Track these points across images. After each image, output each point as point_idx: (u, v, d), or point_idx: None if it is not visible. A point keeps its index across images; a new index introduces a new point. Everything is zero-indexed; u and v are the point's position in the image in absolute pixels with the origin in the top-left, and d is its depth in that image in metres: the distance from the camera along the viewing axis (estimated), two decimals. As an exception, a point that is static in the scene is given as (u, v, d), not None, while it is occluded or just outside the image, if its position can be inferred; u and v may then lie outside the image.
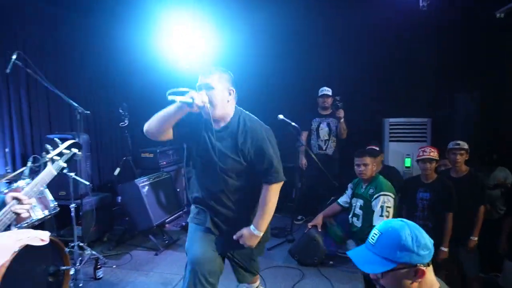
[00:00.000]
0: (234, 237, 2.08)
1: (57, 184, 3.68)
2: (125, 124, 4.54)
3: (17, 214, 1.60)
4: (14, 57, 2.90)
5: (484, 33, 4.46)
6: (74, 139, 3.77)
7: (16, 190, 1.88)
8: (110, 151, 5.63)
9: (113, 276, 3.42)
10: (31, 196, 1.56)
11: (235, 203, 2.11)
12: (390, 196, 3.02)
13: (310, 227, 3.52)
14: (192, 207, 2.28)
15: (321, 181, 4.50)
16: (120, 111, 4.49)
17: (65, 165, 1.81)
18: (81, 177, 3.57)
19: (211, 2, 4.59)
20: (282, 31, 5.26)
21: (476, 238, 3.17)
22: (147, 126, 1.96)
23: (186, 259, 2.12)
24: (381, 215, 2.97)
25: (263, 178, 2.06)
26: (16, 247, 2.30)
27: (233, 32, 5.09)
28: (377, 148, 3.79)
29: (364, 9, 4.90)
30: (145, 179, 4.21)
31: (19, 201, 1.62)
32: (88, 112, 3.57)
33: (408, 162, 4.65)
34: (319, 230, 3.50)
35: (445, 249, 3.10)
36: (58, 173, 1.78)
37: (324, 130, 4.64)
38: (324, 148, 4.65)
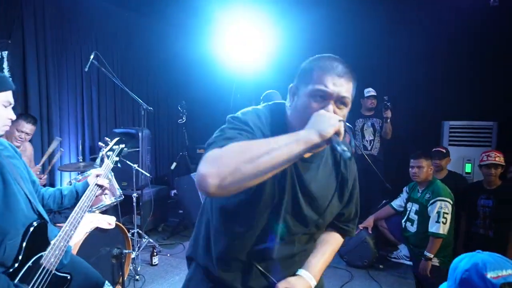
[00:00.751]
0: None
1: (121, 174, 3.99)
2: (183, 121, 4.79)
3: (100, 188, 1.83)
4: (92, 56, 3.20)
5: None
6: (137, 133, 4.09)
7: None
8: (168, 146, 5.95)
9: (167, 264, 3.64)
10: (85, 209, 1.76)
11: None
12: (448, 202, 2.90)
13: (361, 228, 3.47)
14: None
15: (370, 183, 4.40)
16: (179, 108, 4.75)
17: (117, 158, 2.06)
18: (141, 169, 3.84)
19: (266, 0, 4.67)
20: (339, 27, 5.19)
21: None
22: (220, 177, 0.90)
23: None
24: (438, 221, 2.85)
25: (342, 225, 1.39)
26: (88, 228, 2.57)
27: (289, 30, 5.13)
28: (444, 151, 3.63)
29: (428, 5, 4.72)
30: (200, 174, 4.40)
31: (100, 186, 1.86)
32: (151, 108, 3.83)
33: (468, 167, 4.37)
34: (370, 232, 3.44)
35: None
36: (114, 165, 2.04)
37: (368, 131, 4.56)
38: (369, 149, 4.55)
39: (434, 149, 3.65)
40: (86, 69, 3.32)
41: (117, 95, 4.93)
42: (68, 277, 1.63)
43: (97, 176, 1.87)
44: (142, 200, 4.20)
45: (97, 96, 4.67)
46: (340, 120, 0.99)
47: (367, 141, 4.58)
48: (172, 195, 5.60)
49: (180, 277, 3.32)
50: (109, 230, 2.76)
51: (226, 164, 0.89)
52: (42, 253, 1.52)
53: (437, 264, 2.89)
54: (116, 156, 2.07)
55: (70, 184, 2.22)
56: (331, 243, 1.37)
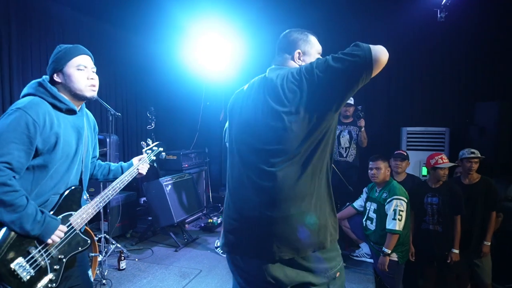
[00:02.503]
0: None
1: (88, 181, 3.96)
2: (152, 127, 4.82)
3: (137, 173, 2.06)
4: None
5: (503, 43, 4.49)
6: (105, 139, 4.08)
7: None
8: (137, 152, 5.92)
9: (135, 268, 3.63)
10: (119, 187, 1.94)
11: None
12: (403, 200, 3.10)
13: None
14: None
15: (337, 187, 4.60)
16: (148, 114, 4.78)
17: (154, 158, 2.24)
18: (109, 174, 3.83)
19: (233, 11, 4.82)
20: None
21: (488, 243, 3.19)
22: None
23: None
24: (394, 219, 3.05)
25: None
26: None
27: (257, 39, 5.30)
28: (405, 153, 3.86)
29: (383, 20, 5.05)
30: (169, 178, 4.44)
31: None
32: (119, 114, 3.84)
33: (425, 171, 4.67)
34: None
35: (456, 251, 3.15)
36: (151, 164, 2.21)
37: (345, 138, 4.75)
38: (344, 155, 4.75)
39: (396, 152, 3.89)
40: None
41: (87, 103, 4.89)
42: (89, 241, 1.75)
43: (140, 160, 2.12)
44: (110, 206, 4.18)
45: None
46: None
47: (342, 148, 4.77)
48: (142, 202, 5.57)
49: (148, 281, 3.34)
50: (75, 233, 2.76)
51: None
52: (72, 212, 1.69)
53: (396, 259, 3.08)
54: (154, 156, 2.23)
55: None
56: None
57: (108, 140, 4.00)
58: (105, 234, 3.73)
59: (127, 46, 5.62)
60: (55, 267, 1.60)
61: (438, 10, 3.77)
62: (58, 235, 1.59)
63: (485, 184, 3.27)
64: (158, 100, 5.95)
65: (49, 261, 1.58)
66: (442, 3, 3.66)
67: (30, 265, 1.50)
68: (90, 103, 4.94)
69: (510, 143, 4.22)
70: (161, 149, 2.30)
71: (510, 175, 4.08)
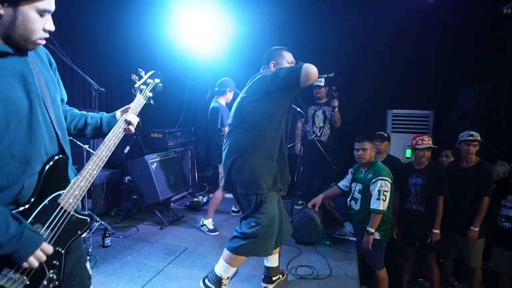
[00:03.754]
0: None
1: (71, 157, 3.88)
2: (136, 104, 4.71)
3: (128, 124, 1.50)
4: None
5: (489, 28, 4.53)
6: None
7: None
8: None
9: (120, 245, 3.62)
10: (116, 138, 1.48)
11: None
12: (387, 181, 3.15)
13: (309, 206, 3.68)
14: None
15: (320, 167, 4.66)
16: (133, 91, 4.65)
17: (151, 94, 1.72)
18: (94, 151, 3.76)
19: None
20: (289, 20, 5.39)
21: (477, 229, 3.18)
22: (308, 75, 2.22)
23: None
24: (378, 199, 3.10)
25: None
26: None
27: (245, 18, 5.21)
28: (386, 135, 3.91)
29: (372, 3, 5.01)
30: (154, 156, 4.39)
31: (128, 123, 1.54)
32: (103, 89, 3.74)
33: (408, 153, 4.76)
34: (317, 209, 3.65)
35: (437, 231, 3.24)
36: (145, 103, 1.71)
37: (319, 118, 4.82)
38: (319, 135, 4.82)
39: (377, 133, 3.93)
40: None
41: (67, 75, 4.73)
42: (88, 220, 1.40)
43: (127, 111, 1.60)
44: (94, 183, 4.12)
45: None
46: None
47: (317, 127, 4.84)
48: (126, 181, 5.51)
49: (133, 257, 3.33)
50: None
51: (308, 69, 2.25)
52: (60, 192, 1.28)
53: (378, 238, 3.15)
54: (150, 92, 1.74)
55: None
56: None
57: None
58: (89, 211, 3.69)
59: (111, 22, 5.43)
60: (53, 263, 1.27)
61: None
62: (38, 257, 1.17)
63: (479, 167, 3.25)
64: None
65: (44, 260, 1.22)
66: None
67: (21, 273, 1.16)
68: (73, 78, 4.80)
69: (488, 126, 4.31)
70: (157, 80, 1.78)
71: (490, 157, 4.16)
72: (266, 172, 2.41)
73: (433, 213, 3.25)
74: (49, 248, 1.21)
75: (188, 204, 5.08)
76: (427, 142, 3.35)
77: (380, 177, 3.16)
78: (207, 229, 4.04)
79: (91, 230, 3.60)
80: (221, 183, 4.14)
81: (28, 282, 1.18)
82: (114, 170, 4.72)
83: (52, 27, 1.22)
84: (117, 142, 1.48)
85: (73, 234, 1.34)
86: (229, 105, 4.17)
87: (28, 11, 1.13)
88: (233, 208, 4.81)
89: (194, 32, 5.49)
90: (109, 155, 1.44)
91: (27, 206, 1.20)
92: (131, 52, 5.83)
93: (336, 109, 4.62)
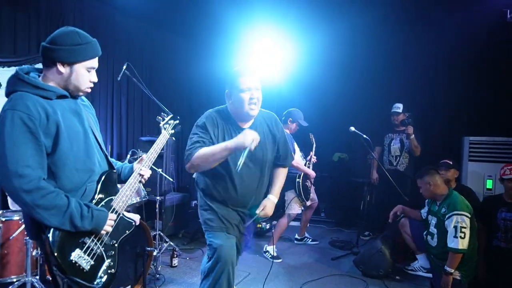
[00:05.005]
0: (257, 211, 2.24)
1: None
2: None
3: (141, 176, 1.84)
4: (124, 67, 3.41)
5: None
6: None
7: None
8: (181, 156, 6.15)
9: (187, 266, 3.75)
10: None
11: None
12: (465, 215, 2.86)
13: (391, 215, 3.51)
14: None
15: (391, 197, 4.41)
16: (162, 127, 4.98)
17: (172, 131, 2.23)
18: (166, 175, 4.01)
19: (287, 17, 4.87)
20: (361, 46, 5.35)
21: None
22: (191, 166, 2.09)
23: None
24: (455, 236, 2.82)
25: (281, 162, 2.40)
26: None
27: (310, 44, 5.30)
28: (451, 162, 3.64)
29: (446, 25, 4.80)
30: (220, 182, 4.54)
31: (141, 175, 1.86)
32: (178, 117, 4.02)
33: (489, 183, 4.33)
34: (397, 214, 3.52)
35: None
36: (170, 138, 2.23)
37: (395, 146, 4.59)
38: (394, 164, 4.58)
39: (441, 161, 3.69)
40: (118, 78, 3.55)
41: (144, 105, 5.21)
42: (133, 223, 1.78)
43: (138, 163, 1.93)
44: (165, 205, 4.36)
45: (126, 105, 4.95)
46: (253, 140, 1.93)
47: (392, 156, 4.62)
48: (193, 205, 5.75)
49: (198, 279, 3.40)
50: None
51: (194, 162, 2.05)
52: (113, 197, 1.70)
53: (458, 278, 2.87)
54: (172, 129, 2.23)
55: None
56: (279, 174, 2.39)
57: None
58: (159, 232, 3.91)
59: (187, 54, 5.91)
60: (110, 253, 1.65)
61: (508, 10, 3.51)
62: (109, 224, 1.61)
63: None
64: (215, 105, 6.14)
65: (103, 248, 1.61)
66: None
67: (88, 254, 1.54)
68: (149, 108, 5.24)
69: None
70: (176, 121, 2.28)
71: None
72: None
73: None
74: (113, 216, 1.64)
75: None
76: None
77: (455, 212, 2.89)
78: (270, 256, 4.02)
79: (160, 250, 3.79)
80: (287, 211, 4.14)
81: (93, 262, 1.56)
82: (184, 193, 4.98)
83: (96, 79, 1.64)
84: (133, 193, 1.83)
85: (122, 232, 1.73)
86: (294, 135, 4.21)
87: (80, 69, 1.56)
88: (296, 236, 4.74)
89: (262, 62, 5.68)
90: (127, 203, 1.78)
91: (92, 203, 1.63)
92: (201, 83, 6.22)
93: (412, 137, 4.36)
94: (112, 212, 1.65)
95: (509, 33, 4.37)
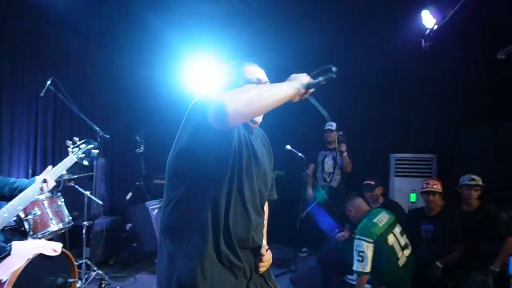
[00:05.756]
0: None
1: (71, 204, 3.88)
2: (141, 151, 4.78)
3: (45, 182, 2.00)
4: (48, 82, 3.19)
5: (485, 72, 4.63)
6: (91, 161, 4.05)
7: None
8: (124, 176, 5.83)
9: (117, 296, 3.49)
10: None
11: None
12: (363, 240, 2.87)
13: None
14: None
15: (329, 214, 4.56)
16: (137, 138, 4.75)
17: (83, 155, 2.19)
18: (95, 198, 3.75)
19: (227, 34, 4.92)
20: (292, 66, 5.53)
21: (497, 270, 3.00)
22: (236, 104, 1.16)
23: None
24: (355, 259, 2.88)
25: (271, 192, 1.70)
26: (30, 255, 2.45)
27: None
28: (372, 182, 3.75)
29: (375, 47, 5.18)
30: (156, 202, 4.36)
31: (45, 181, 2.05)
32: (108, 136, 3.82)
33: (413, 197, 4.66)
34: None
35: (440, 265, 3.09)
36: (80, 162, 2.20)
37: (329, 164, 4.77)
38: (328, 180, 4.75)
39: (364, 183, 3.80)
40: (41, 94, 3.30)
41: (74, 122, 4.86)
42: (8, 248, 1.90)
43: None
44: (93, 230, 4.06)
45: (52, 122, 4.59)
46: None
47: (326, 173, 4.78)
48: (128, 228, 5.43)
49: (129, 309, 3.19)
50: (54, 258, 2.64)
51: (241, 96, 1.18)
52: None
53: None
54: (82, 153, 2.18)
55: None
56: (266, 213, 1.72)
57: (94, 162, 3.95)
58: (86, 260, 3.61)
59: (121, 71, 5.66)
60: None
61: (423, 40, 3.88)
62: None
63: (483, 211, 3.17)
64: (150, 123, 5.92)
65: None
66: (426, 33, 3.78)
67: None
68: (80, 124, 4.91)
69: (493, 168, 4.24)
70: (90, 146, 2.23)
71: (497, 198, 4.05)
72: None
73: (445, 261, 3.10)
74: None
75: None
76: (431, 186, 3.29)
77: (357, 236, 2.95)
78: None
79: (87, 280, 3.49)
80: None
81: None
82: (115, 217, 4.68)
83: None
84: (36, 195, 1.97)
85: None
86: None
87: None
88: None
89: (201, 78, 5.61)
90: (23, 207, 1.98)
91: None
92: (139, 99, 5.99)
93: (345, 154, 4.55)
94: None
95: (425, 59, 4.83)
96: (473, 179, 3.21)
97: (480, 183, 3.20)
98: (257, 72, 1.59)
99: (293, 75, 1.38)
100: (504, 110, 4.50)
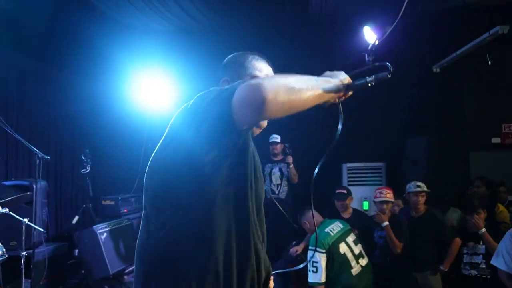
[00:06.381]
0: None
1: (8, 232, 3.55)
2: (87, 171, 4.52)
3: None
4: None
5: (423, 84, 4.93)
6: (31, 185, 3.75)
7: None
8: (70, 198, 5.47)
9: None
10: None
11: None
12: (313, 250, 2.93)
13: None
14: None
15: (280, 226, 4.54)
16: (82, 157, 4.49)
17: None
18: (35, 225, 3.46)
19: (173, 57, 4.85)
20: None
21: (446, 269, 3.22)
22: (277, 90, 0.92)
23: None
24: (309, 270, 2.90)
25: None
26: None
27: (198, 79, 5.32)
28: (345, 192, 3.81)
29: (326, 57, 5.34)
30: (104, 225, 4.11)
31: None
32: (48, 157, 3.56)
33: (365, 205, 4.82)
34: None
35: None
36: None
37: (276, 175, 4.81)
38: (276, 192, 4.79)
39: (336, 191, 3.87)
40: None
41: (11, 144, 4.49)
42: None
43: None
44: (34, 260, 3.73)
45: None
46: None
47: (274, 185, 4.80)
48: (76, 254, 5.08)
49: None
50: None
51: (281, 81, 0.93)
52: None
53: None
54: None
55: None
56: None
57: (34, 186, 3.66)
58: (26, 294, 3.30)
59: (63, 86, 5.35)
60: None
61: (366, 54, 4.06)
62: None
63: (430, 216, 3.35)
64: (96, 142, 5.63)
65: None
66: (369, 48, 3.97)
67: None
68: (18, 146, 4.55)
69: (439, 174, 4.50)
70: None
71: (442, 204, 4.28)
72: None
73: (398, 265, 3.22)
74: None
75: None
76: (384, 196, 3.40)
77: (309, 247, 3.01)
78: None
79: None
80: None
81: None
82: (60, 243, 4.36)
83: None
84: None
85: None
86: None
87: None
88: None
89: (148, 94, 5.46)
90: None
91: None
92: (84, 117, 5.69)
93: (292, 165, 4.63)
94: None
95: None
96: (418, 186, 3.37)
97: (425, 189, 3.37)
98: (265, 69, 1.34)
99: (329, 72, 1.13)
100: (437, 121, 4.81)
